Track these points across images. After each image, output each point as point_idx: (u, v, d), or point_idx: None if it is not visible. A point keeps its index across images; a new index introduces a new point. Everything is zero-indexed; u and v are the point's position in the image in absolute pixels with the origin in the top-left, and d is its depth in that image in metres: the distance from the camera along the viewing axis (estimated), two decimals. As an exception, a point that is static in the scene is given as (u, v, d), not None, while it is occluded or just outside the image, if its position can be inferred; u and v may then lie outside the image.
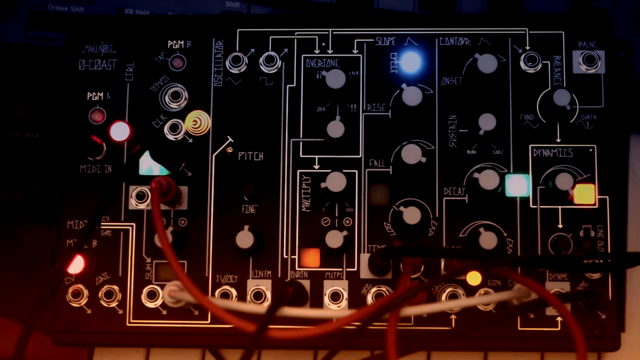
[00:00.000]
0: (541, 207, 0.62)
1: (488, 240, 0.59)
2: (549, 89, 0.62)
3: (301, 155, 0.63)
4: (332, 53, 0.64)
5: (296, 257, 0.62)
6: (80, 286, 0.62)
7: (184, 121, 0.63)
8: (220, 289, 0.61)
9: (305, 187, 0.62)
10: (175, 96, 0.63)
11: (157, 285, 0.62)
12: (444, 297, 0.61)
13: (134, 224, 0.62)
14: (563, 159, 0.62)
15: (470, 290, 0.61)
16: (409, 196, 0.62)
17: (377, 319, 0.51)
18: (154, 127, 0.63)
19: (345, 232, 0.60)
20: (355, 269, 0.61)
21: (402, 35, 0.64)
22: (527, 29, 0.63)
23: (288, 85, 0.63)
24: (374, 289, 0.61)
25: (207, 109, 0.63)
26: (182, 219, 0.62)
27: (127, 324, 0.62)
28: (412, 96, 0.61)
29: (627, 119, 0.67)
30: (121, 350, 0.65)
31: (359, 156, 0.62)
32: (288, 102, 0.63)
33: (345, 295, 0.61)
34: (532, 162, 0.62)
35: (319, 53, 0.64)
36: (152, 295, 0.61)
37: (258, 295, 0.61)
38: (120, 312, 0.62)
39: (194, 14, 0.71)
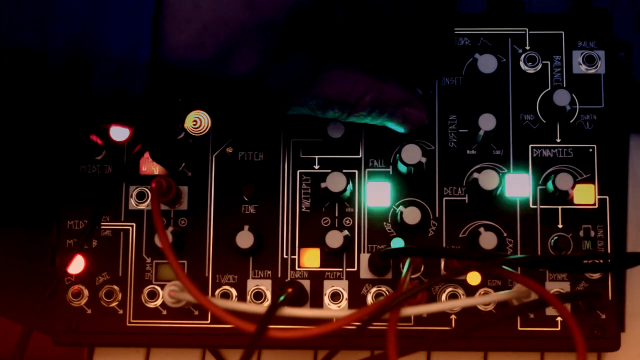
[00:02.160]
0: (541, 207, 0.62)
1: (488, 240, 0.59)
2: (549, 89, 0.62)
3: (301, 156, 0.63)
4: (332, 53, 0.64)
5: (296, 257, 0.62)
6: (80, 286, 0.62)
7: (184, 121, 0.63)
8: (220, 289, 0.61)
9: (305, 187, 0.62)
10: (175, 96, 0.63)
11: (157, 285, 0.62)
12: (444, 297, 0.61)
13: (134, 224, 0.62)
14: (563, 159, 0.62)
15: (470, 290, 0.61)
16: (409, 196, 0.62)
17: (377, 319, 0.51)
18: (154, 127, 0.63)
19: (345, 232, 0.60)
20: (355, 269, 0.61)
21: (402, 35, 0.64)
22: (527, 29, 0.63)
23: (288, 85, 0.63)
24: (374, 289, 0.61)
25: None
26: (182, 219, 0.62)
27: (127, 324, 0.62)
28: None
29: (627, 119, 0.67)
30: (121, 350, 0.65)
31: (359, 156, 0.62)
32: (288, 102, 0.63)
33: (345, 295, 0.61)
34: (532, 162, 0.62)
35: (319, 53, 0.64)
36: (152, 295, 0.61)
37: (258, 295, 0.61)
38: (120, 312, 0.62)
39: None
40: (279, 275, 0.61)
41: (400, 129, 0.59)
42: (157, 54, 0.48)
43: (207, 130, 0.63)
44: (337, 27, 0.55)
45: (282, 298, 0.52)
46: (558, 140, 0.62)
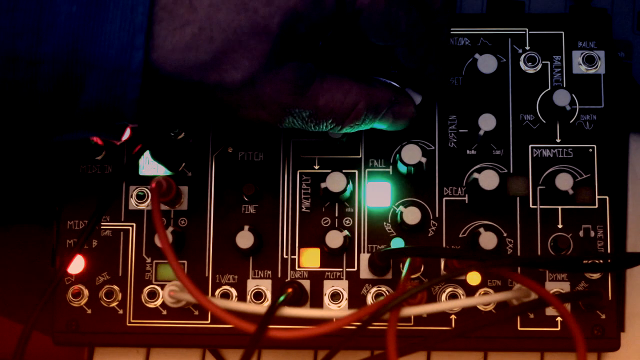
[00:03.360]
0: (541, 207, 0.62)
1: (488, 240, 0.59)
2: (549, 89, 0.62)
3: (301, 156, 0.63)
4: (332, 53, 0.64)
5: (296, 257, 0.62)
6: (80, 286, 0.62)
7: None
8: (220, 289, 0.61)
9: (305, 187, 0.62)
10: (175, 96, 0.63)
11: (157, 285, 0.62)
12: (444, 297, 0.61)
13: (134, 224, 0.62)
14: (563, 159, 0.62)
15: (470, 290, 0.61)
16: (409, 196, 0.62)
17: (377, 319, 0.51)
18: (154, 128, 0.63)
19: (345, 232, 0.60)
20: (355, 269, 0.61)
21: (402, 35, 0.64)
22: (527, 29, 0.63)
23: (288, 85, 0.63)
24: (374, 289, 0.61)
25: (207, 109, 0.63)
26: (182, 219, 0.62)
27: (127, 324, 0.62)
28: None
29: (627, 119, 0.67)
30: (121, 350, 0.65)
31: (359, 156, 0.62)
32: (288, 102, 0.63)
33: (345, 295, 0.61)
34: (532, 162, 0.62)
35: (319, 53, 0.64)
36: (152, 295, 0.61)
37: (258, 295, 0.61)
38: (120, 312, 0.62)
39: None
40: (279, 275, 0.62)
41: (390, 128, 0.58)
42: (151, 60, 0.48)
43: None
44: (329, 40, 0.54)
45: (282, 298, 0.52)
46: (558, 140, 0.62)
